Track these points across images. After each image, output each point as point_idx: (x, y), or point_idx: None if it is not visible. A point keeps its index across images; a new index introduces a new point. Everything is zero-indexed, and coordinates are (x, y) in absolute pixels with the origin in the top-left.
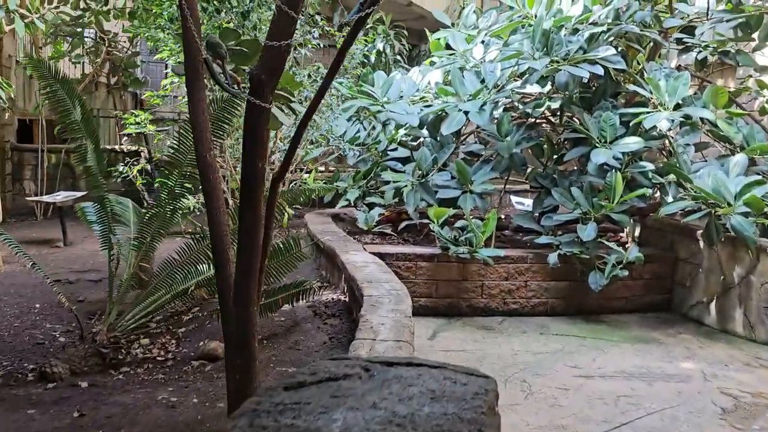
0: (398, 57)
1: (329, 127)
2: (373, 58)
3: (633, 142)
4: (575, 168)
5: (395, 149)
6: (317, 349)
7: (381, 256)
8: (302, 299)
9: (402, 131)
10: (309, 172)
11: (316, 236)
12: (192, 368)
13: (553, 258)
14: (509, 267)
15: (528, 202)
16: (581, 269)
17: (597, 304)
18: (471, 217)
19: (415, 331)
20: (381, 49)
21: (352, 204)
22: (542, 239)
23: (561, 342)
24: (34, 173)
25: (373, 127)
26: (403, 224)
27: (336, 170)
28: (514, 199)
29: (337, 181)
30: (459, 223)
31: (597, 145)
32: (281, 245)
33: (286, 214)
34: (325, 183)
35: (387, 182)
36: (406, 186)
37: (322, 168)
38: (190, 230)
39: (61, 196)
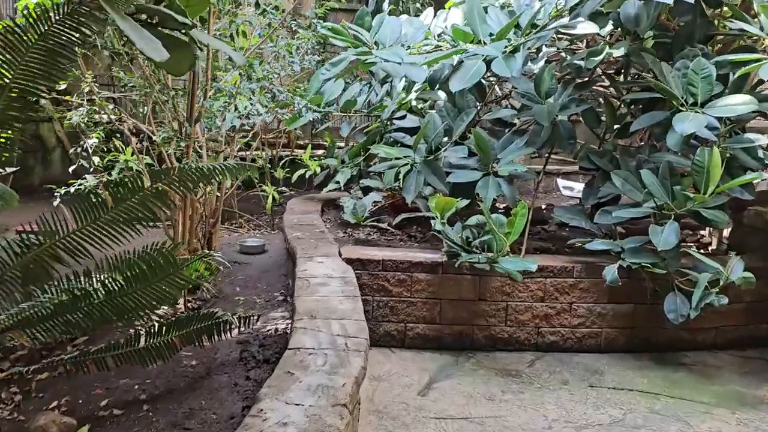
0: (419, 5)
1: (274, 77)
2: (386, 5)
3: (739, 103)
4: (646, 143)
5: (403, 117)
6: (219, 428)
7: (361, 263)
8: (222, 335)
9: (414, 94)
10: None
11: (285, 230)
12: None
13: (611, 272)
14: (547, 283)
15: (579, 188)
16: (653, 288)
17: (674, 337)
18: (499, 208)
19: (401, 379)
20: None
21: (342, 187)
22: (596, 244)
23: (621, 403)
24: None
25: (385, 87)
26: (400, 217)
27: (330, 144)
28: (560, 183)
29: (330, 157)
30: (473, 220)
31: (681, 107)
32: (141, 264)
33: (270, 196)
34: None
35: (388, 159)
36: (405, 165)
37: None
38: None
39: None
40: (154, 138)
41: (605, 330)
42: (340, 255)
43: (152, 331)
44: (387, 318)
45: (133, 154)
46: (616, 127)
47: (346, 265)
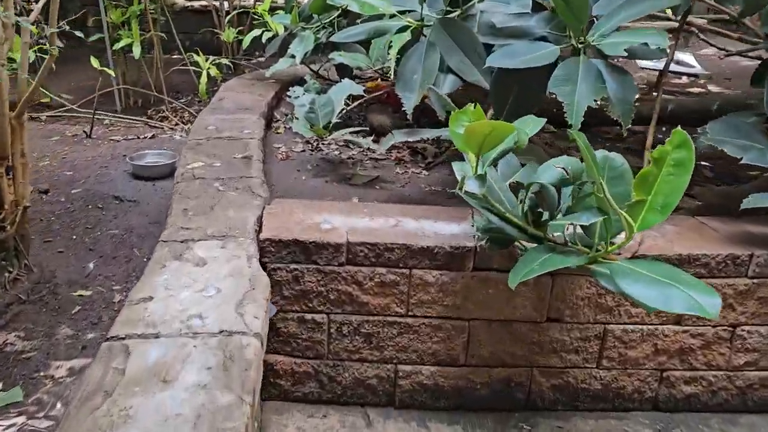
0: None
1: None
2: None
3: None
4: None
5: None
6: None
7: (304, 251)
8: None
9: None
10: None
11: (182, 154)
12: None
13: None
14: None
15: (677, 58)
16: None
17: None
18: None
19: None
20: None
21: (299, 63)
22: None
23: None
24: None
25: None
26: (390, 142)
27: None
28: (640, 63)
29: (287, 13)
30: (548, 170)
31: None
32: None
33: (204, 74)
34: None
35: (375, 18)
36: (403, 30)
37: None
38: None
39: None
40: None
41: None
42: (258, 229)
43: None
44: (359, 354)
45: None
46: None
47: (257, 274)
